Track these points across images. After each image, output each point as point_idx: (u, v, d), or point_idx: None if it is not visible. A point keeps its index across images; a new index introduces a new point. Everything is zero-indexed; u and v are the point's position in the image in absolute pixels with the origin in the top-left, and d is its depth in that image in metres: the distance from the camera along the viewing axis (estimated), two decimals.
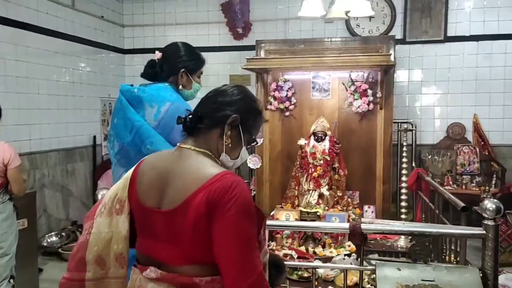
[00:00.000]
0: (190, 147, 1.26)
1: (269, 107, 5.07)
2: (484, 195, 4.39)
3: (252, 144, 1.35)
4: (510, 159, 5.42)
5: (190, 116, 1.27)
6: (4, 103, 2.79)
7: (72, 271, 1.33)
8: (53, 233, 4.82)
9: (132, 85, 1.91)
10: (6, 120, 2.83)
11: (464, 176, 5.25)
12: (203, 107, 1.29)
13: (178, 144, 1.30)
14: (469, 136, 5.52)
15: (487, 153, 5.35)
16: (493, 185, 4.90)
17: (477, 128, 5.46)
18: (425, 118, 5.62)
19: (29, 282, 3.27)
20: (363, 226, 2.22)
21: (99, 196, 2.52)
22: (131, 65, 6.52)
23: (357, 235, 2.19)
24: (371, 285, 2.94)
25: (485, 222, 2.06)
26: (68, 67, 5.28)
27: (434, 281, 2.06)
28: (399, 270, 2.14)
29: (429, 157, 5.51)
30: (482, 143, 5.40)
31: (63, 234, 4.85)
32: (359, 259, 2.37)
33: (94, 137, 5.74)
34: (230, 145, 1.26)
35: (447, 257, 3.23)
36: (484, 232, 2.04)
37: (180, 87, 1.91)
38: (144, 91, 1.82)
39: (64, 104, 5.19)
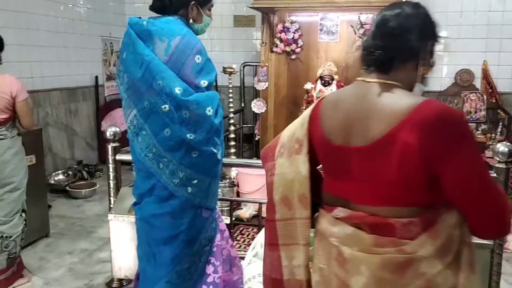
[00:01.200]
0: (378, 81, 1.14)
1: (275, 49, 4.95)
2: (490, 143, 4.39)
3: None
4: None
5: (379, 52, 1.14)
6: (3, 38, 2.70)
7: (268, 212, 1.33)
8: (59, 172, 4.86)
9: (140, 18, 1.83)
10: (6, 56, 2.75)
11: (470, 124, 5.23)
12: (389, 39, 1.13)
13: (360, 78, 1.19)
14: (477, 83, 5.43)
15: (494, 101, 5.29)
16: (499, 133, 4.89)
17: (486, 75, 5.35)
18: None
19: (39, 217, 3.34)
20: None
21: (108, 134, 2.50)
22: (132, 2, 6.29)
23: None
24: None
25: (497, 165, 2.06)
26: (67, 2, 5.09)
27: None
28: None
29: None
30: (490, 90, 5.32)
31: (70, 172, 4.90)
32: None
33: (96, 77, 5.65)
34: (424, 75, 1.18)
35: None
36: (495, 175, 2.05)
37: (191, 20, 1.84)
38: (153, 24, 1.75)
39: (64, 42, 5.06)
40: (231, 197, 3.41)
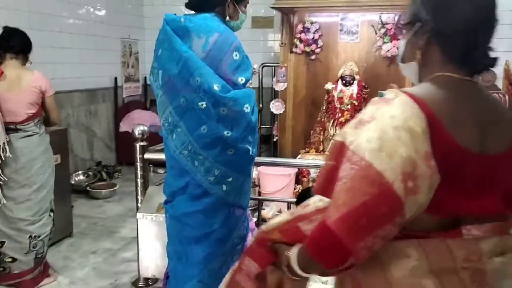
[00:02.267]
0: (477, 81, 1.00)
1: (294, 50, 4.93)
2: None
3: None
4: None
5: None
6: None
7: None
8: (80, 172, 4.90)
9: (175, 14, 1.82)
10: (31, 58, 2.79)
11: None
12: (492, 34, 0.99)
13: (463, 77, 0.98)
14: (499, 83, 5.36)
15: None
16: None
17: (507, 75, 5.28)
18: None
19: (63, 217, 3.35)
20: None
21: (136, 133, 2.50)
22: (151, 4, 6.33)
23: None
24: None
25: None
26: (88, 4, 5.14)
27: None
28: None
29: None
30: None
31: (90, 173, 4.93)
32: None
33: (115, 78, 5.68)
34: None
35: None
36: None
37: (227, 18, 1.83)
38: (191, 21, 1.74)
39: (86, 44, 5.10)
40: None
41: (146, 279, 2.74)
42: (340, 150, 0.93)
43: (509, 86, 5.28)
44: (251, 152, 1.84)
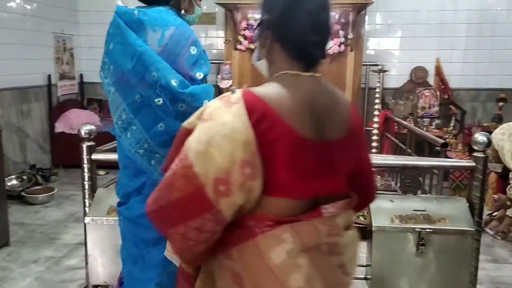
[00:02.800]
0: (319, 75, 1.13)
1: (238, 47, 4.93)
2: (447, 136, 4.61)
3: None
4: (468, 103, 5.69)
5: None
6: None
7: None
8: (12, 176, 4.56)
9: (126, 7, 1.73)
10: None
11: (425, 119, 5.47)
12: (323, 31, 1.12)
13: (307, 73, 1.10)
14: (431, 80, 5.70)
15: (446, 97, 5.57)
16: (452, 127, 5.15)
17: (438, 72, 5.63)
18: (390, 62, 5.70)
19: None
20: None
21: (83, 132, 2.35)
22: None
23: None
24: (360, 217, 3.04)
25: (475, 154, 2.15)
26: None
27: (425, 211, 2.16)
28: (392, 201, 2.22)
29: (393, 100, 5.67)
30: (443, 86, 5.61)
31: (24, 177, 4.61)
32: None
33: (49, 76, 5.35)
34: None
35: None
36: (473, 164, 2.14)
37: (183, 11, 1.77)
38: (145, 14, 1.65)
39: (16, 39, 4.75)
40: None
41: (96, 286, 2.60)
42: (184, 138, 1.04)
43: (440, 83, 5.63)
44: None
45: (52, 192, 4.37)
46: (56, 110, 5.48)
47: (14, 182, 4.54)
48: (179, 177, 1.01)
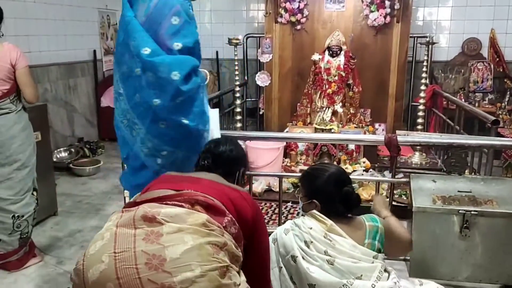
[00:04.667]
0: None
1: (279, 20, 4.81)
2: (500, 112, 4.34)
3: None
4: None
5: None
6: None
7: None
8: (61, 149, 4.76)
9: None
10: (3, 29, 2.60)
11: (477, 94, 5.18)
12: None
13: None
14: (485, 52, 5.35)
15: (501, 70, 5.23)
16: (506, 103, 4.84)
17: (493, 44, 5.27)
18: (440, 33, 5.39)
19: (46, 196, 3.25)
20: (399, 138, 2.16)
21: None
22: None
23: (393, 147, 2.14)
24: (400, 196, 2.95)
25: None
26: None
27: (471, 192, 2.04)
28: (435, 182, 2.12)
29: (442, 74, 5.39)
30: (497, 59, 5.25)
31: (72, 150, 4.80)
32: (391, 172, 2.34)
33: (94, 51, 5.47)
34: None
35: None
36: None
37: None
38: None
39: (61, 15, 4.87)
40: None
41: None
42: None
43: (494, 55, 5.28)
44: (187, 125, 1.68)
45: (98, 165, 4.53)
46: (101, 85, 5.62)
47: (63, 154, 4.74)
48: None
